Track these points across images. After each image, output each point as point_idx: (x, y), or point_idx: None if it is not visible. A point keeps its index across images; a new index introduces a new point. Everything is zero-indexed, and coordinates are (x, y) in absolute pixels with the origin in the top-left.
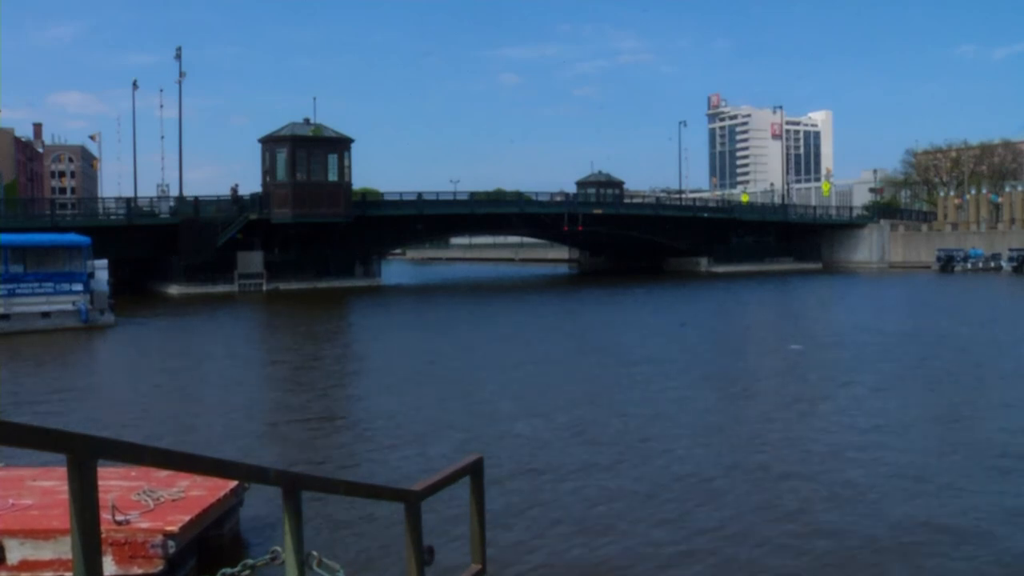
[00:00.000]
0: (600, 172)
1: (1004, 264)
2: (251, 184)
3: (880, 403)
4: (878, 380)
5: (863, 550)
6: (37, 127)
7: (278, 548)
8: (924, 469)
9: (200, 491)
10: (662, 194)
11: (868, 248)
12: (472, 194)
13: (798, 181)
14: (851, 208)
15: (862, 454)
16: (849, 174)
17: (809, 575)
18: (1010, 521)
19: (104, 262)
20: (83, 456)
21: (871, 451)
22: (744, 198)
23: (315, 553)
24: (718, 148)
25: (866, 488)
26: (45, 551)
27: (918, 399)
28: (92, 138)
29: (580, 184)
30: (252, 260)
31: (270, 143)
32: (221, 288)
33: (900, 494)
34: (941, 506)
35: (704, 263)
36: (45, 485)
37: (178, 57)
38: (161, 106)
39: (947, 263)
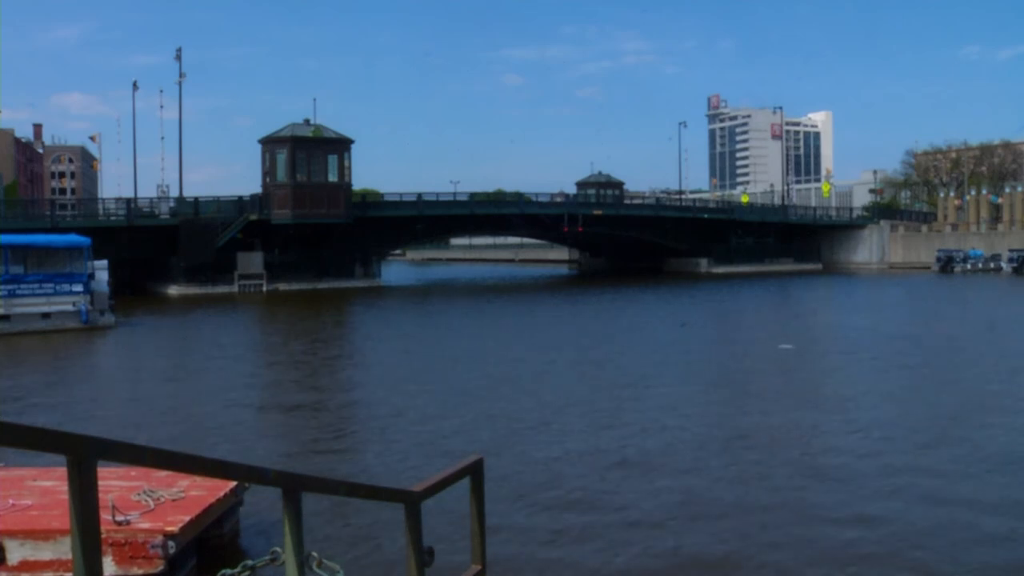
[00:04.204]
0: (600, 173)
1: (1004, 265)
2: (252, 185)
3: (857, 399)
4: (861, 378)
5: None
6: (37, 128)
7: (278, 548)
8: (874, 462)
9: (200, 491)
10: (662, 195)
11: (868, 249)
12: (472, 195)
13: (798, 182)
14: (851, 209)
15: (824, 441)
16: (849, 175)
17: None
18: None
19: (104, 263)
20: (83, 456)
21: (837, 440)
22: (744, 199)
23: (315, 554)
24: (718, 149)
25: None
26: (45, 551)
27: (892, 397)
28: (92, 139)
29: (580, 185)
30: (252, 261)
31: (270, 144)
32: (221, 289)
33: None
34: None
35: (704, 264)
36: (45, 485)
37: (178, 58)
38: (161, 107)
39: (947, 264)
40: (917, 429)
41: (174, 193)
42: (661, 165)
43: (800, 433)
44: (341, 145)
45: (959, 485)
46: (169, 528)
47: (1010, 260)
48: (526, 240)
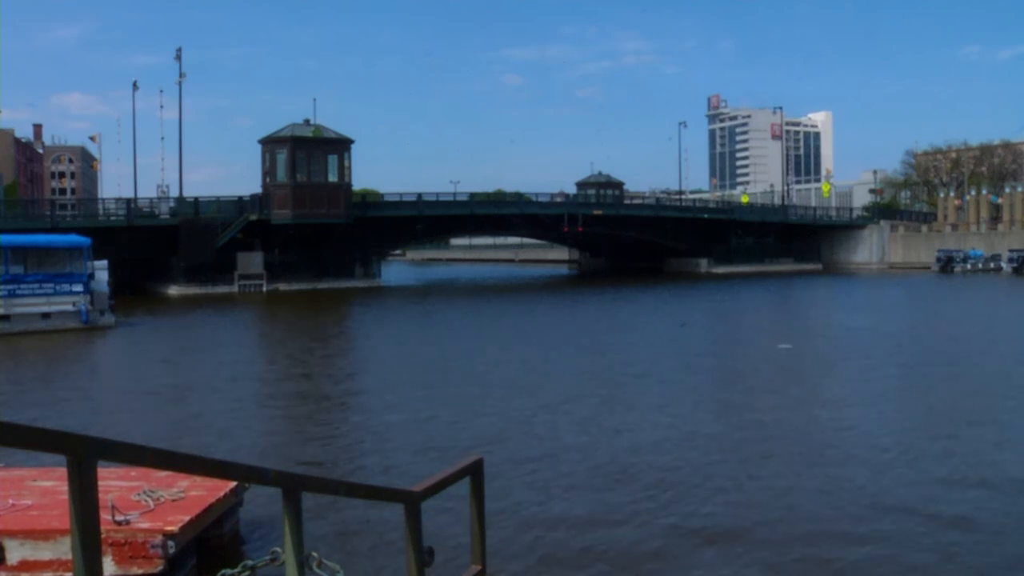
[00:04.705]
0: (600, 173)
1: (1004, 265)
2: (252, 185)
3: (854, 398)
4: (858, 377)
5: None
6: (37, 128)
7: (278, 549)
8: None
9: (200, 491)
10: (662, 195)
11: (868, 249)
12: (472, 195)
13: (798, 182)
14: (851, 209)
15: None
16: (849, 175)
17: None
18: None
19: (104, 263)
20: (83, 456)
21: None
22: (744, 199)
23: (315, 554)
24: (718, 149)
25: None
26: (45, 551)
27: (889, 397)
28: (92, 139)
29: (580, 185)
30: (252, 261)
31: (270, 144)
32: (221, 289)
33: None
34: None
35: (704, 264)
36: (45, 485)
37: (178, 58)
38: (161, 107)
39: (947, 264)
40: (911, 428)
41: (174, 193)
42: (661, 165)
43: (793, 432)
44: (341, 145)
45: (947, 485)
46: (169, 528)
47: (1010, 260)
48: (526, 240)
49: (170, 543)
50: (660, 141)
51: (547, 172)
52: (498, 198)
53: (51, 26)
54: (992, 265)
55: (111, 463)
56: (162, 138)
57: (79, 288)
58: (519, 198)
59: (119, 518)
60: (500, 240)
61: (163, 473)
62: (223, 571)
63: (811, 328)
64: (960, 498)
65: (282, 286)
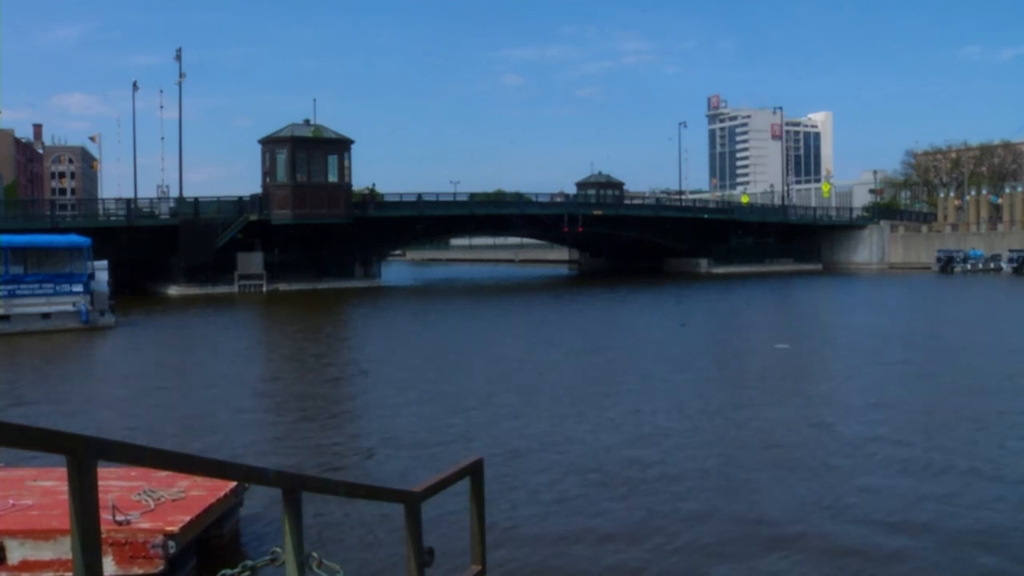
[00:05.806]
0: (600, 173)
1: (1004, 265)
2: (252, 185)
3: (849, 398)
4: (854, 377)
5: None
6: (37, 128)
7: (278, 549)
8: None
9: (200, 491)
10: (662, 195)
11: (868, 249)
12: (472, 195)
13: (798, 182)
14: (851, 209)
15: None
16: (849, 175)
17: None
18: None
19: (104, 263)
20: (83, 457)
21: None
22: (744, 199)
23: (315, 554)
24: (718, 149)
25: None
26: (45, 551)
27: (883, 396)
28: (92, 139)
29: (580, 185)
30: (252, 261)
31: (270, 144)
32: (221, 289)
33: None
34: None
35: (704, 264)
36: (45, 485)
37: (178, 58)
38: (161, 107)
39: (947, 264)
40: (905, 429)
41: (174, 193)
42: (661, 165)
43: (784, 431)
44: (341, 145)
45: (931, 483)
46: (169, 528)
47: (1010, 260)
48: (526, 240)
49: (170, 543)
50: (660, 141)
51: (547, 172)
52: (498, 198)
53: (51, 26)
54: (992, 265)
55: (111, 463)
56: (162, 138)
57: (79, 288)
58: (519, 198)
59: (119, 518)
60: (500, 240)
61: (163, 473)
62: (223, 571)
63: (810, 328)
64: (934, 508)
65: (282, 286)
